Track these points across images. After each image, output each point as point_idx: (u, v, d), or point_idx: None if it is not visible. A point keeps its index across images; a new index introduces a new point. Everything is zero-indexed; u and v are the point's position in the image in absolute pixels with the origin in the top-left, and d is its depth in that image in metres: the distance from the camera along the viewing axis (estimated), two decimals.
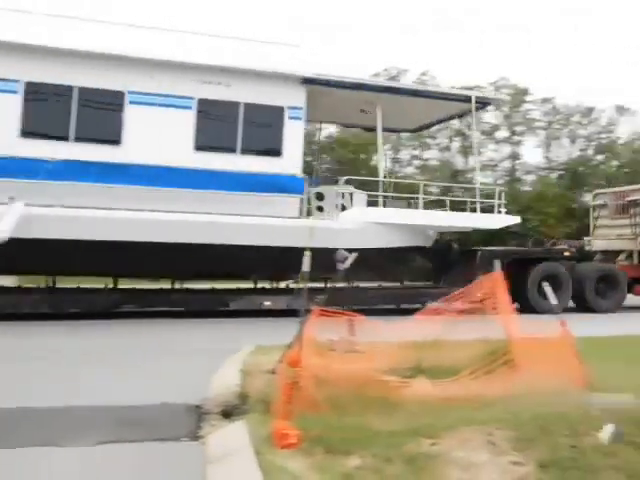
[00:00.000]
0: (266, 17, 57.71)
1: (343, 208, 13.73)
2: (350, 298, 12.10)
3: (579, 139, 42.72)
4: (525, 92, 41.39)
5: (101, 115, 11.88)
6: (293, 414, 4.16)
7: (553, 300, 6.66)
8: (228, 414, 5.17)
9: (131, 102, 11.99)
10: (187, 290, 13.66)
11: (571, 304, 15.45)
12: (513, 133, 40.44)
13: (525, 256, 15.63)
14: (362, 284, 14.25)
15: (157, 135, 12.05)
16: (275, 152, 12.88)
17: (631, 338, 9.56)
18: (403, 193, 15.78)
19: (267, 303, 13.12)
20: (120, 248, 11.28)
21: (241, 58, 12.61)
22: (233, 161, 12.48)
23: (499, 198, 15.17)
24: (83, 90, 11.70)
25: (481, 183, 17.37)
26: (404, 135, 27.44)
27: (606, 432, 4.09)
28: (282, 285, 14.00)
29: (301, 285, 7.21)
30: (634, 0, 55.61)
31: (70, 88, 11.60)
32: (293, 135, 13.00)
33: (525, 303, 14.17)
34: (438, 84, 22.07)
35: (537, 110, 41.33)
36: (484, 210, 15.03)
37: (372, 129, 15.85)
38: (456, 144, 38.56)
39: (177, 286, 13.50)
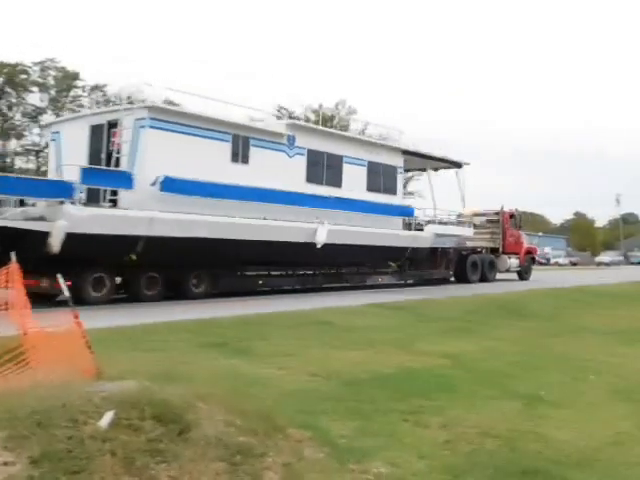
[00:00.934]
0: None
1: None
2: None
3: None
4: (75, 77, 40.70)
5: (332, 168, 19.83)
6: None
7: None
8: None
9: (345, 162, 20.36)
10: (324, 274, 20.72)
11: None
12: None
13: (465, 251, 26.64)
14: None
15: (353, 181, 20.38)
16: (392, 191, 22.18)
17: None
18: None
19: (380, 279, 22.64)
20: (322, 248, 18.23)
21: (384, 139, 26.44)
22: (386, 196, 21.81)
23: None
24: (329, 155, 19.73)
25: None
26: None
27: (105, 419, 4.16)
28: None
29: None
30: None
31: (322, 154, 19.50)
32: (399, 182, 22.87)
33: (463, 276, 25.67)
34: None
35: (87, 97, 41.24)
36: None
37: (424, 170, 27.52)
38: None
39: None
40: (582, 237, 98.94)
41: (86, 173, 13.78)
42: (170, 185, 14.80)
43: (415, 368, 8.95)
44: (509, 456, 6.15)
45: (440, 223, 24.17)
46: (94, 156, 15.58)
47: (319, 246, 17.61)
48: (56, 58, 39.99)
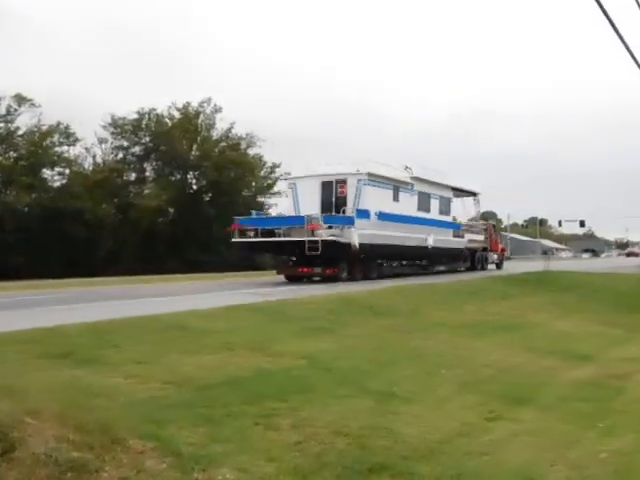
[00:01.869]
0: None
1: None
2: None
3: None
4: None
5: (426, 201, 29.15)
6: None
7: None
8: None
9: (432, 198, 29.64)
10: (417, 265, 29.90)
11: None
12: None
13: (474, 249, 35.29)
14: None
15: (434, 208, 29.71)
16: (447, 213, 31.63)
17: None
18: None
19: (442, 267, 31.21)
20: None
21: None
22: (445, 217, 31.73)
23: None
24: (426, 193, 29.01)
25: None
26: None
27: None
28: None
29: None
30: None
31: (423, 193, 28.71)
32: (450, 207, 32.08)
33: (472, 266, 34.29)
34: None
35: None
36: None
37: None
38: None
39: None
40: None
41: (327, 218, 22.60)
42: (382, 216, 24.53)
43: (271, 370, 8.96)
44: (358, 454, 6.29)
45: (470, 232, 34.63)
46: (325, 202, 24.30)
47: (430, 248, 27.90)
48: None
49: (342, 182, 24.09)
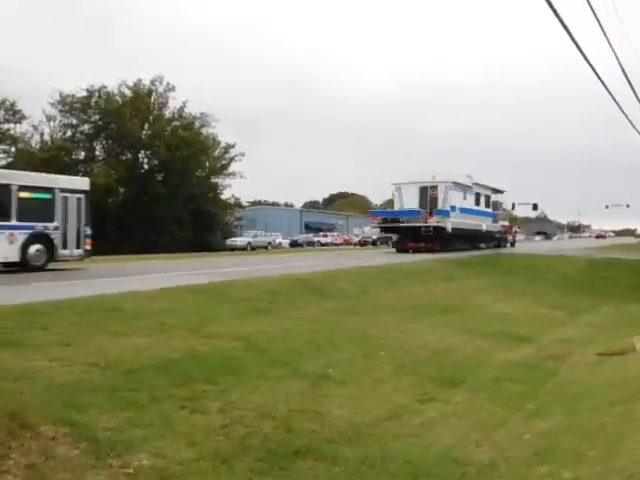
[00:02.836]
0: None
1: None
2: None
3: None
4: None
5: (479, 198, 39.31)
6: None
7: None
8: None
9: (481, 195, 39.93)
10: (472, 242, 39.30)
11: None
12: None
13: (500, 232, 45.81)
14: None
15: (483, 202, 40.08)
16: (489, 206, 41.94)
17: None
18: None
19: (483, 245, 40.63)
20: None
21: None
22: (488, 209, 41.32)
23: None
24: (479, 193, 38.95)
25: None
26: None
27: None
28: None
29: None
30: None
31: (478, 193, 38.86)
32: (490, 202, 41.93)
33: (498, 246, 42.92)
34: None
35: None
36: None
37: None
38: None
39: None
40: None
41: (436, 211, 33.43)
42: (462, 210, 34.99)
43: (205, 352, 8.78)
44: (284, 437, 6.20)
45: (501, 220, 44.48)
46: (422, 201, 34.30)
47: (483, 231, 39.69)
48: None
49: (434, 187, 34.62)
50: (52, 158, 46.01)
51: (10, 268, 17.74)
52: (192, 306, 11.53)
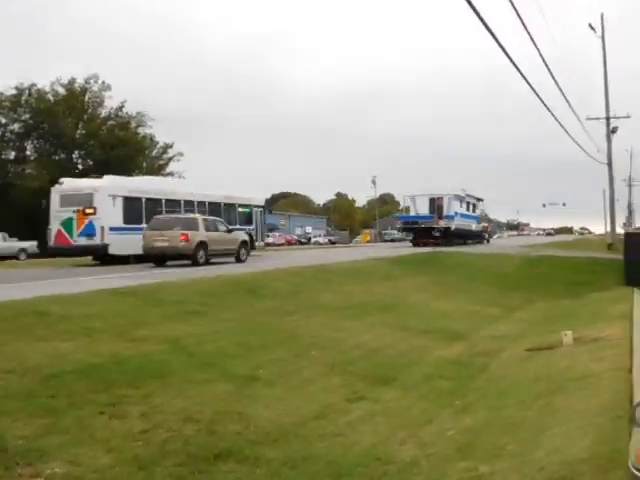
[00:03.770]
0: None
1: None
2: None
3: None
4: None
5: (469, 205, 50.63)
6: None
7: None
8: None
9: (470, 203, 51.56)
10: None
11: None
12: None
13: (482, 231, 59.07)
14: None
15: (471, 209, 51.19)
16: (474, 211, 55.03)
17: None
18: None
19: (470, 241, 49.53)
20: None
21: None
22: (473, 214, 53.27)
23: None
24: (469, 202, 50.44)
25: None
26: None
27: None
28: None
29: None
30: None
31: (468, 202, 50.06)
32: (477, 208, 55.61)
33: (480, 241, 54.01)
34: None
35: None
36: None
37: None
38: None
39: None
40: (343, 217, 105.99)
41: (444, 216, 43.51)
42: (460, 215, 45.36)
43: (130, 356, 8.59)
44: (206, 440, 6.13)
45: (483, 221, 56.52)
46: (431, 209, 43.42)
47: (472, 230, 49.65)
48: None
49: (440, 198, 43.98)
50: None
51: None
52: (121, 309, 11.27)
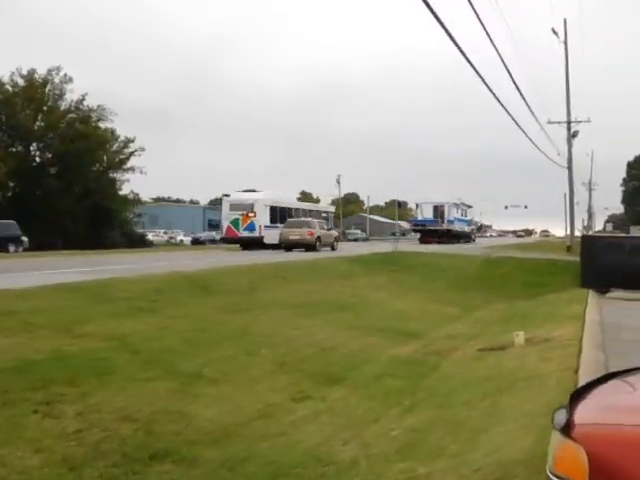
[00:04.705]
0: None
1: None
2: None
3: None
4: None
5: (464, 212, 63.56)
6: None
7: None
8: None
9: (463, 209, 63.50)
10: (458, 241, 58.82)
11: None
12: None
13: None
14: None
15: (465, 213, 63.10)
16: (467, 215, 67.15)
17: None
18: None
19: (462, 240, 59.77)
20: None
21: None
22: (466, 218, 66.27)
23: None
24: (463, 209, 61.67)
25: None
26: None
27: None
28: None
29: None
30: None
31: (462, 208, 61.60)
32: (468, 213, 68.15)
33: (468, 241, 61.37)
34: None
35: None
36: None
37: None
38: None
39: None
40: None
41: (447, 220, 54.46)
42: (457, 219, 57.51)
43: (72, 353, 8.37)
44: (142, 440, 5.96)
45: (472, 224, 65.71)
46: (435, 214, 53.94)
47: (465, 232, 60.22)
48: None
49: (442, 206, 53.76)
50: None
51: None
52: (66, 305, 11.00)
